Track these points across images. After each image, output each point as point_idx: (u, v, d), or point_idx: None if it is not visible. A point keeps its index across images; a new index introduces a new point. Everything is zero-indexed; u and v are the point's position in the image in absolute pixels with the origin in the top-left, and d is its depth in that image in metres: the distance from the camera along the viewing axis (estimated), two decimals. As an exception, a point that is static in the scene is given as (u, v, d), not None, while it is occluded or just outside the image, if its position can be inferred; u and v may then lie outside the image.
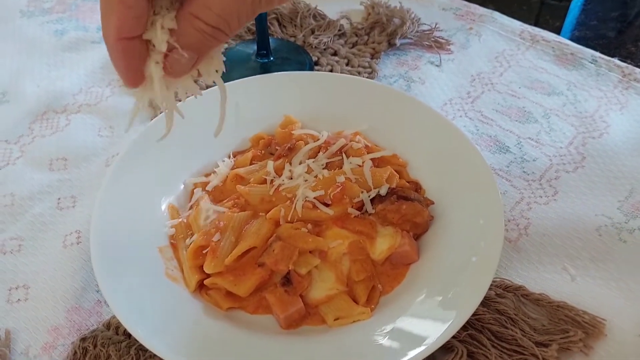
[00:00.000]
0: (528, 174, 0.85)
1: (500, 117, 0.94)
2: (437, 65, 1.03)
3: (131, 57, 0.44)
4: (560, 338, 0.66)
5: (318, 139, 0.80)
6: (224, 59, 0.52)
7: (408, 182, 0.78)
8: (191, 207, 0.77)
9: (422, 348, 0.60)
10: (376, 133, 0.84)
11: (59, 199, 0.83)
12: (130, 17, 0.41)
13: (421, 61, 1.04)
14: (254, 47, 1.01)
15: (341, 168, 0.76)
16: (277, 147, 0.81)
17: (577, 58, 1.03)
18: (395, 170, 0.77)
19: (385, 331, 0.64)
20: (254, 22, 1.03)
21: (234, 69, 0.99)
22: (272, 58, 1.00)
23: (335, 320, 0.66)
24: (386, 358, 0.60)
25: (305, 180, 0.74)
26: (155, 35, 0.43)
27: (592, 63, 1.02)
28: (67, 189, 0.84)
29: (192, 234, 0.72)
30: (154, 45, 0.45)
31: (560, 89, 0.98)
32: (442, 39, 1.07)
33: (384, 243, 0.70)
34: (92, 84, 1.00)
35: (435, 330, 0.61)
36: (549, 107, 0.95)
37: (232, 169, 0.80)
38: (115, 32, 0.42)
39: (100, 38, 1.09)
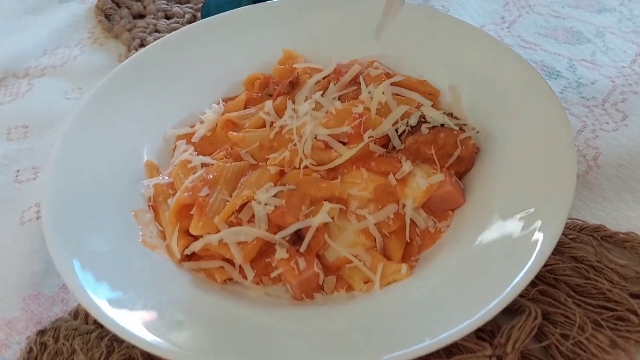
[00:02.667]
0: (587, 99, 0.69)
1: (545, 41, 0.78)
2: (461, -8, 0.87)
3: None
4: (664, 287, 0.49)
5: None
6: None
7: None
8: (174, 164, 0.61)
9: (482, 311, 0.44)
10: (396, 60, 0.67)
11: (17, 171, 0.69)
12: None
13: (442, -12, 0.88)
14: (243, -12, 0.86)
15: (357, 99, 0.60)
16: (276, 87, 0.66)
17: (626, -30, 0.87)
18: (426, 100, 0.61)
19: (430, 292, 0.48)
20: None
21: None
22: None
23: (365, 283, 0.51)
24: (436, 327, 0.44)
25: (314, 118, 0.59)
26: None
27: (645, -26, 0.86)
28: (27, 160, 0.70)
29: (175, 193, 0.57)
30: None
31: (611, 5, 0.82)
32: (465, -38, 0.91)
33: (419, 184, 0.54)
34: (57, 45, 0.86)
35: (497, 286, 0.45)
36: (602, 25, 0.79)
37: (223, 115, 0.65)
38: None
39: (69, -4, 0.95)
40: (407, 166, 0.55)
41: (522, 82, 0.61)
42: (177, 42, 0.70)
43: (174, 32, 0.71)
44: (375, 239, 0.52)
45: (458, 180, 0.56)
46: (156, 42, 0.70)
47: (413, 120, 0.57)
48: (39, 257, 0.59)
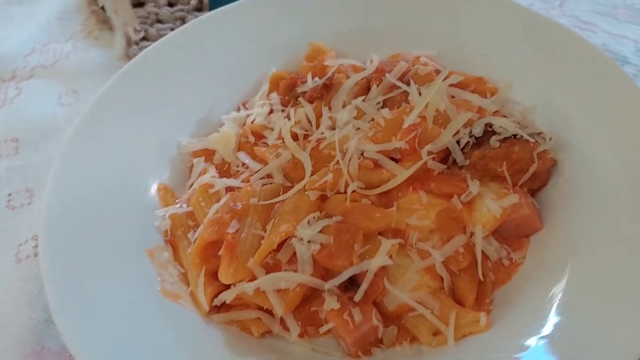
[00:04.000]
0: (665, 90, 0.60)
1: (604, 21, 0.69)
2: (502, -35, 0.77)
3: None
4: None
5: (363, 70, 0.55)
6: None
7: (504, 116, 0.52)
8: (192, 185, 0.52)
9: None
10: (446, 55, 0.58)
11: (9, 194, 0.60)
12: None
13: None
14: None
15: (407, 103, 0.51)
16: (300, 89, 0.56)
17: None
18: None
19: (521, 350, 0.39)
20: None
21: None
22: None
23: (433, 336, 0.42)
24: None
25: (357, 129, 0.49)
26: None
27: None
28: (20, 180, 0.61)
29: (197, 225, 0.48)
30: None
31: (676, -25, 0.72)
32: None
33: (489, 208, 0.45)
34: (47, 41, 0.76)
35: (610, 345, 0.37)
36: (669, -1, 0.69)
37: (244, 125, 0.55)
38: None
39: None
40: (474, 187, 0.46)
41: (595, 76, 0.51)
42: (186, 39, 0.60)
43: (181, 28, 0.61)
44: (442, 278, 0.44)
45: (534, 200, 0.47)
46: (161, 40, 0.59)
47: (478, 130, 0.48)
48: (41, 303, 0.51)
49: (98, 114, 0.53)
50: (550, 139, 0.48)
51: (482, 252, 0.45)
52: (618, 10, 0.70)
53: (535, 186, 0.48)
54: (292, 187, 0.48)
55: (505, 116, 0.51)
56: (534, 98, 0.53)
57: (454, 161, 0.48)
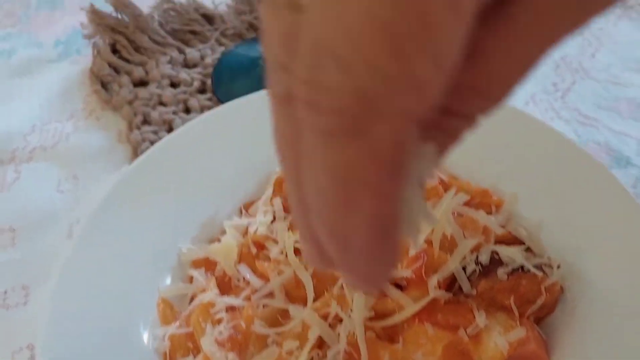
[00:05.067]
0: (670, 199, 0.59)
1: (606, 115, 0.68)
2: (504, 51, 0.77)
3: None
4: None
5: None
6: None
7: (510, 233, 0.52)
8: (191, 300, 0.51)
9: None
10: (448, 163, 0.57)
11: (5, 292, 0.59)
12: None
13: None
14: (259, 49, 0.76)
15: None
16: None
17: (691, 24, 0.77)
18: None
19: None
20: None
21: (236, 80, 0.74)
22: (285, 62, 0.74)
23: None
24: None
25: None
26: None
27: None
28: (16, 276, 0.60)
29: (197, 349, 0.47)
30: None
31: (680, 69, 0.72)
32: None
33: (496, 343, 0.44)
34: (48, 119, 0.75)
35: None
36: (673, 96, 0.69)
37: (246, 233, 0.55)
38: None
39: (58, 55, 0.84)
40: (481, 319, 0.45)
41: (601, 195, 0.51)
42: (191, 138, 0.59)
43: (187, 125, 0.60)
44: (447, 419, 0.43)
45: (540, 332, 0.47)
46: (165, 139, 0.59)
47: (485, 258, 0.47)
48: None
49: (99, 221, 0.53)
50: (558, 266, 0.48)
51: (487, 390, 0.44)
52: (620, 104, 0.69)
53: (542, 314, 0.48)
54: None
55: (511, 232, 0.51)
56: (539, 212, 0.53)
57: (459, 287, 0.47)
